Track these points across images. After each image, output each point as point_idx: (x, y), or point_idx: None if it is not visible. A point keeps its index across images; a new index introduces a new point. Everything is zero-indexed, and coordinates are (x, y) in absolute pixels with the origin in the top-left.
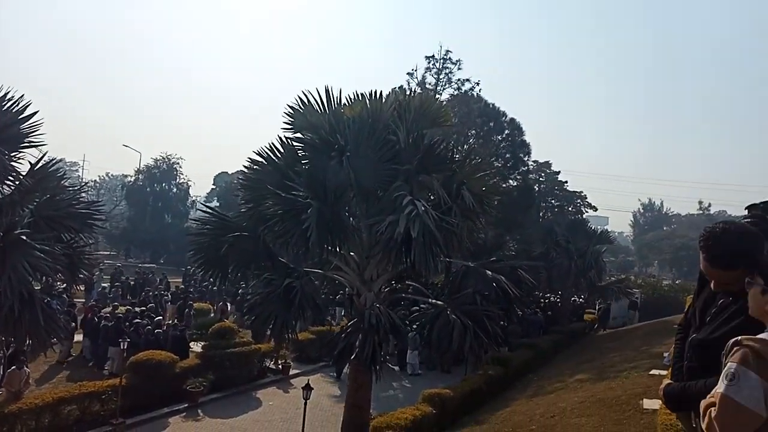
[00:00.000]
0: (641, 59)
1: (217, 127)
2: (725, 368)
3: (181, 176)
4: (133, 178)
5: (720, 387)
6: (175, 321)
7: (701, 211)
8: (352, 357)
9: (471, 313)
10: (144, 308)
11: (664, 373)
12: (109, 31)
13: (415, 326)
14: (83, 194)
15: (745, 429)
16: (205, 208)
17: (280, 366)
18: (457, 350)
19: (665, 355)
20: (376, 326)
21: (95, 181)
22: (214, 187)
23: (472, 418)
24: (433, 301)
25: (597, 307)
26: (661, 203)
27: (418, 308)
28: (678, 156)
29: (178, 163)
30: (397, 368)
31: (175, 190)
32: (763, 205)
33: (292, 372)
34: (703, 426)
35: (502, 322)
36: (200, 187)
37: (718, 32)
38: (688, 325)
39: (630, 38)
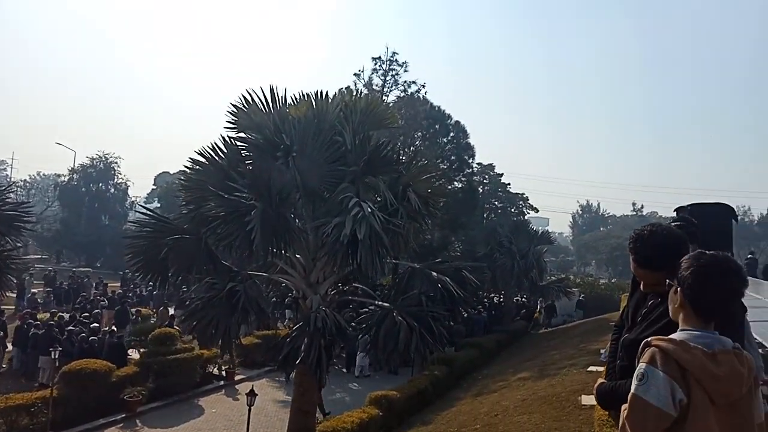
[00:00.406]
0: (582, 62)
1: (158, 126)
2: (636, 369)
3: (120, 176)
4: (67, 177)
5: (632, 388)
6: (112, 327)
7: (635, 213)
8: (298, 361)
9: (417, 315)
10: (79, 314)
11: (601, 369)
12: (43, 20)
13: (362, 328)
14: (11, 194)
15: (655, 427)
16: (144, 210)
17: (224, 372)
18: (403, 351)
19: (602, 351)
20: (321, 329)
21: (25, 180)
22: (154, 187)
23: (419, 418)
24: (380, 303)
25: (538, 306)
26: (598, 205)
27: (367, 310)
28: (614, 159)
29: (116, 163)
30: (344, 370)
31: (112, 190)
32: (689, 207)
33: (236, 377)
34: (619, 427)
35: (449, 323)
36: (140, 187)
37: (655, 36)
38: (623, 325)
39: (571, 41)
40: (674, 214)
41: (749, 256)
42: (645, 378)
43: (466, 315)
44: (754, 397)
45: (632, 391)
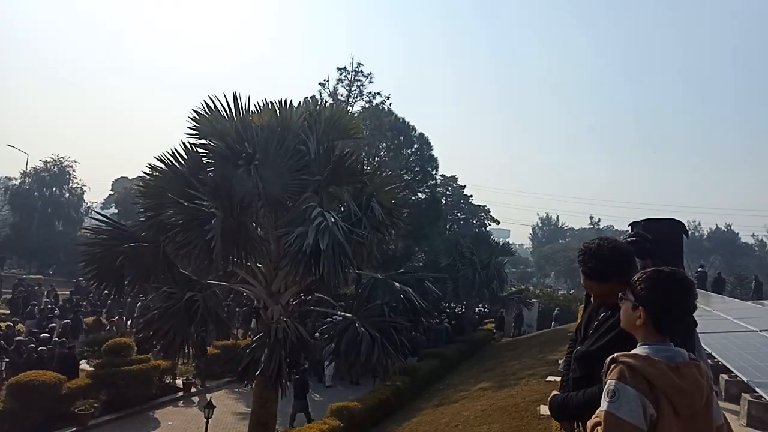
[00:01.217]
0: (541, 75)
1: (116, 129)
2: (605, 386)
3: (75, 180)
4: (19, 181)
5: (603, 405)
6: (63, 338)
7: (592, 226)
8: (257, 373)
9: (379, 325)
10: (28, 324)
11: (559, 379)
12: None
13: (325, 338)
14: None
15: None
16: (99, 216)
17: (181, 383)
18: (365, 362)
19: (560, 362)
20: (282, 340)
21: None
22: (112, 192)
23: (380, 429)
24: (342, 313)
25: (498, 317)
26: (557, 217)
27: (331, 320)
28: (573, 173)
29: (71, 167)
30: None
31: (67, 195)
32: (643, 222)
33: (194, 389)
34: None
35: (413, 333)
36: (97, 192)
37: (609, 49)
38: (576, 337)
39: (527, 56)
40: (629, 228)
41: (699, 269)
42: (616, 395)
43: (429, 325)
44: (712, 405)
45: (605, 408)
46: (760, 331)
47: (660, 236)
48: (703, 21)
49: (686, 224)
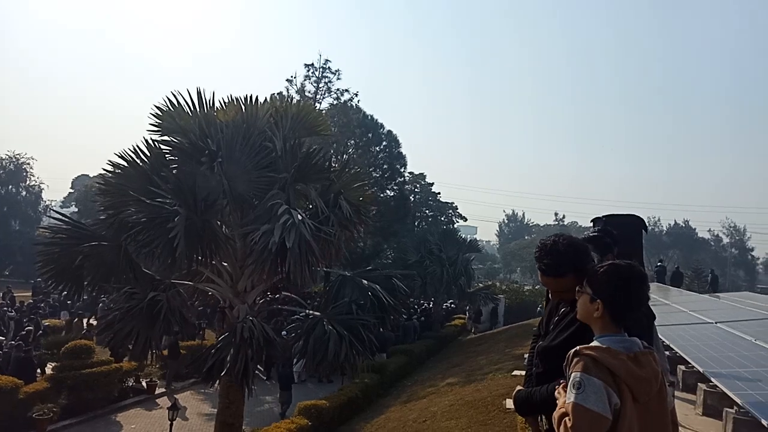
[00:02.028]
0: (510, 73)
1: (76, 125)
2: (570, 378)
3: (32, 178)
4: None
5: (570, 397)
6: (20, 340)
7: (557, 222)
8: (223, 373)
9: (347, 323)
10: None
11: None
12: None
13: (292, 337)
14: None
15: None
16: (58, 214)
17: (145, 385)
18: (333, 360)
19: (525, 356)
20: (248, 340)
21: None
22: (72, 191)
23: (349, 427)
24: (310, 311)
25: (466, 312)
26: (523, 214)
27: (299, 318)
28: (539, 170)
29: (28, 164)
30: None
31: (24, 193)
32: (605, 218)
33: (158, 390)
34: None
35: (381, 329)
36: (57, 190)
37: (580, 45)
38: (539, 333)
39: (500, 50)
40: (591, 224)
41: (659, 264)
42: (582, 386)
43: (398, 321)
44: (664, 389)
45: (572, 400)
46: (716, 323)
47: (620, 231)
48: (668, 19)
49: (647, 220)
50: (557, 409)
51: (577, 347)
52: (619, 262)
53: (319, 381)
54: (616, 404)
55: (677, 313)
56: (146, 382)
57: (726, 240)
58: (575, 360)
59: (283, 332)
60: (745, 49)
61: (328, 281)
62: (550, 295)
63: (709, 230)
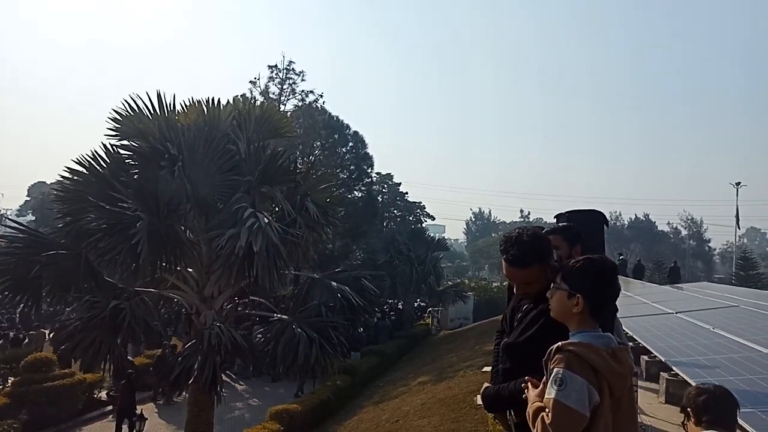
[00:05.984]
0: (477, 71)
1: (33, 131)
2: (552, 374)
3: None
4: None
5: (551, 393)
6: None
7: (522, 219)
8: (191, 381)
9: (316, 325)
10: None
11: None
12: None
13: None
14: None
15: (575, 430)
16: (13, 223)
17: (110, 396)
18: (303, 363)
19: None
20: (216, 346)
21: None
22: (28, 198)
23: (321, 430)
24: (279, 315)
25: (434, 311)
26: (490, 212)
27: (268, 322)
28: (505, 168)
29: None
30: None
31: None
32: (567, 214)
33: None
34: (535, 430)
35: (351, 331)
36: (12, 198)
37: (549, 42)
38: (503, 329)
39: (468, 48)
40: (554, 220)
41: (620, 257)
42: (564, 383)
43: (370, 322)
44: (635, 383)
45: (553, 396)
46: (676, 313)
47: (582, 226)
48: (635, 16)
49: (608, 215)
50: (530, 403)
51: (561, 343)
52: (593, 256)
53: (274, 381)
54: (595, 402)
55: (640, 305)
56: (112, 393)
57: (684, 232)
58: (557, 356)
59: (258, 337)
60: (710, 45)
61: (297, 284)
62: (515, 289)
63: (669, 223)
